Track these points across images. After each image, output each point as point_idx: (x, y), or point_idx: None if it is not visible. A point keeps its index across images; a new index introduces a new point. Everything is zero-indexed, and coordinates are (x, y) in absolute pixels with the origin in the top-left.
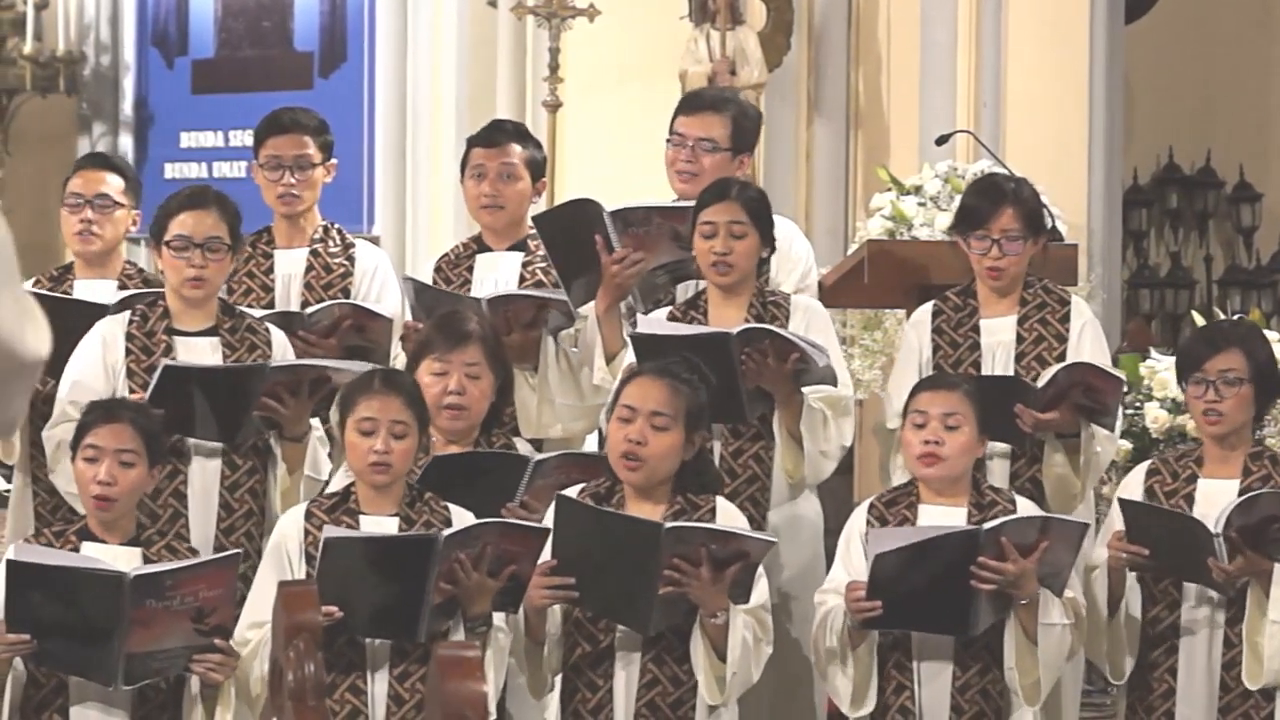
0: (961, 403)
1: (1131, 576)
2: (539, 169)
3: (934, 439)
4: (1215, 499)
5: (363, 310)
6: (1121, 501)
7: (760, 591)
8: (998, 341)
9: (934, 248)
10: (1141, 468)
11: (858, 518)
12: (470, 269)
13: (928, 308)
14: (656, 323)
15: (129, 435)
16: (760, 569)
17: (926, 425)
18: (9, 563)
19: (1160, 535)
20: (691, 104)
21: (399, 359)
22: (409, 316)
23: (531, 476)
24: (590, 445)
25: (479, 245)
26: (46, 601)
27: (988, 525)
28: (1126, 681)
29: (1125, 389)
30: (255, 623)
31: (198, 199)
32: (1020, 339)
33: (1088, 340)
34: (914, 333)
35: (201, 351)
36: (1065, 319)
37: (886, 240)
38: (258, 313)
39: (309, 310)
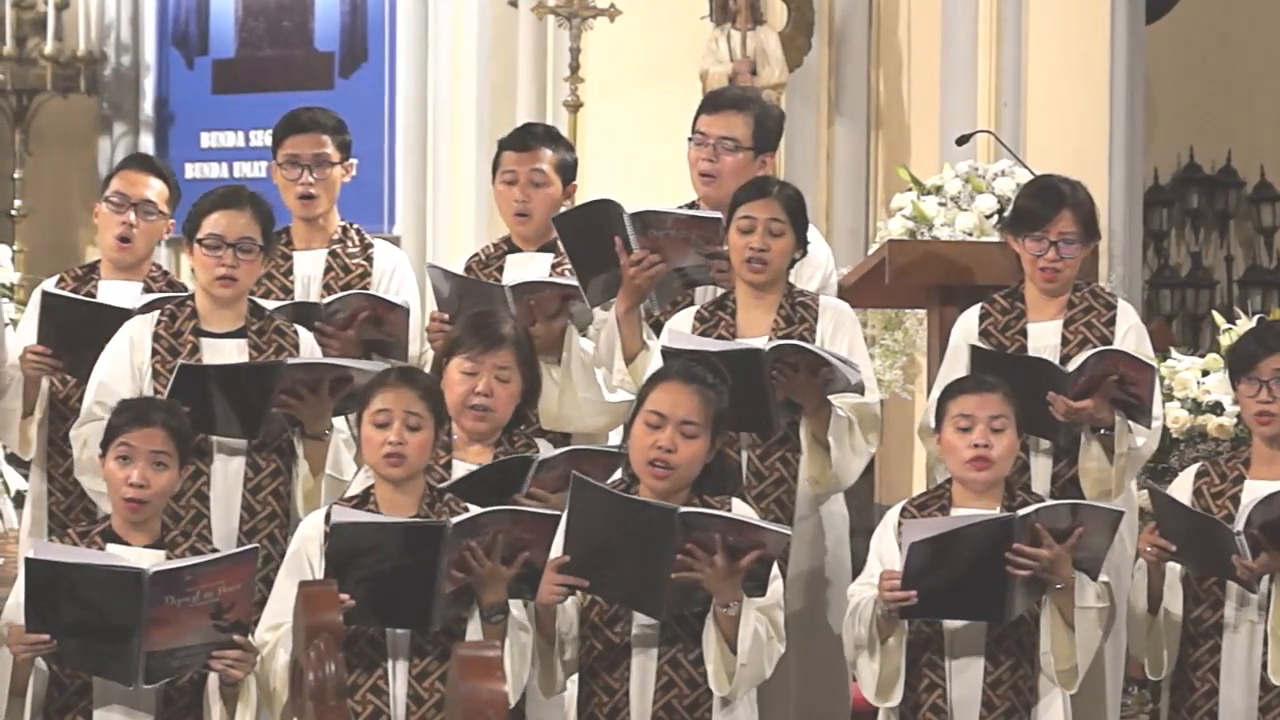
0: (1004, 404)
1: (1173, 575)
2: (569, 172)
3: (983, 442)
4: None
5: (380, 301)
6: (1150, 490)
7: (774, 590)
8: (1044, 346)
9: (955, 248)
10: (1191, 470)
11: (891, 518)
12: (501, 269)
13: (975, 311)
14: (686, 336)
15: (162, 437)
16: (775, 569)
17: (973, 429)
18: (28, 561)
19: (1185, 531)
20: (714, 103)
21: (426, 355)
22: (434, 306)
23: (536, 473)
24: (613, 441)
25: (509, 246)
26: (66, 600)
27: (1021, 512)
28: (1169, 681)
29: None
30: (273, 625)
31: (232, 199)
32: (1065, 341)
33: (1131, 344)
34: (961, 336)
35: (228, 353)
36: (1111, 323)
37: (907, 240)
38: (275, 304)
39: (326, 301)
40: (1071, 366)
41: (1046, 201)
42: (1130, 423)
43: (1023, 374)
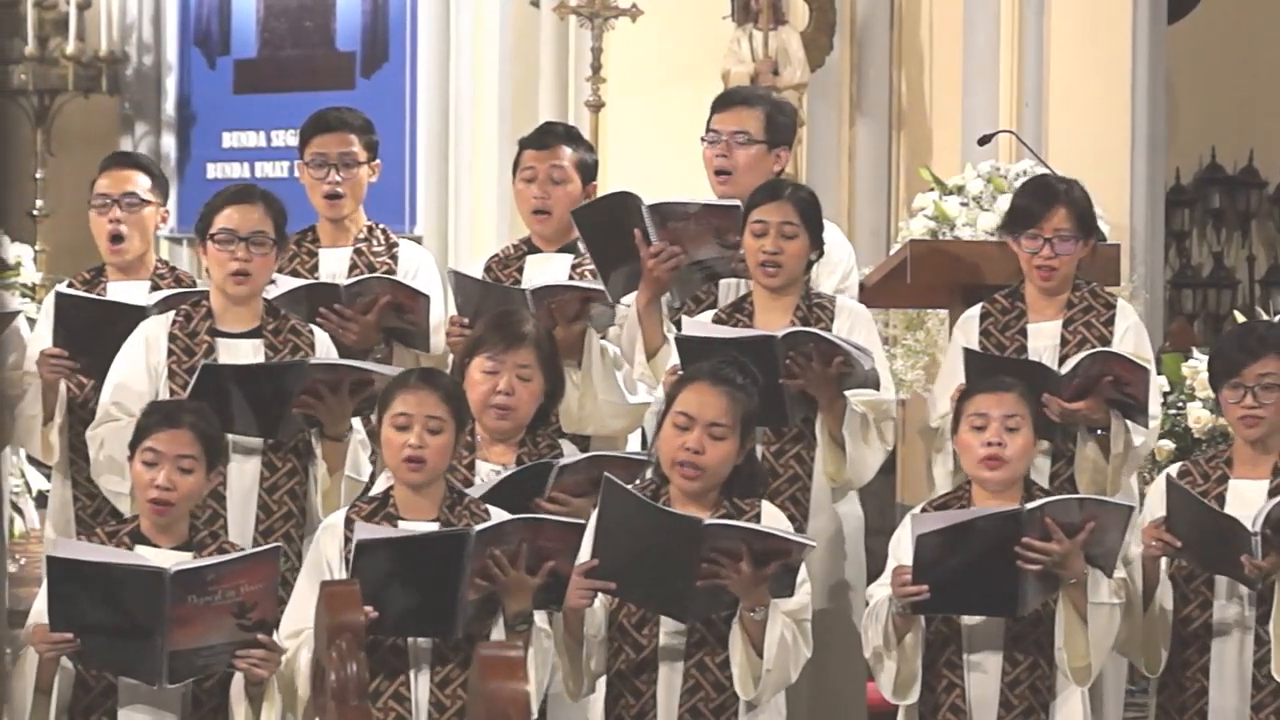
0: (1020, 404)
1: (1164, 571)
2: (589, 172)
3: (997, 441)
4: (1246, 499)
5: (402, 287)
6: (1169, 481)
7: (802, 595)
8: (1044, 346)
9: (977, 248)
10: (1172, 469)
11: (910, 519)
12: (520, 270)
13: (976, 310)
14: (701, 324)
15: (188, 440)
16: (803, 573)
17: (987, 428)
18: (50, 559)
19: (1195, 525)
20: (724, 101)
21: (450, 357)
22: (454, 311)
23: (558, 478)
24: (632, 443)
25: (529, 247)
26: (88, 599)
27: (1030, 506)
28: (1158, 682)
29: (1168, 389)
30: (294, 630)
31: (243, 195)
32: (1065, 341)
33: (1130, 343)
34: (961, 334)
35: (244, 353)
36: (1110, 322)
37: (929, 240)
38: (295, 282)
39: (347, 282)
40: (1068, 367)
41: (1040, 198)
42: (1128, 422)
43: (1016, 376)
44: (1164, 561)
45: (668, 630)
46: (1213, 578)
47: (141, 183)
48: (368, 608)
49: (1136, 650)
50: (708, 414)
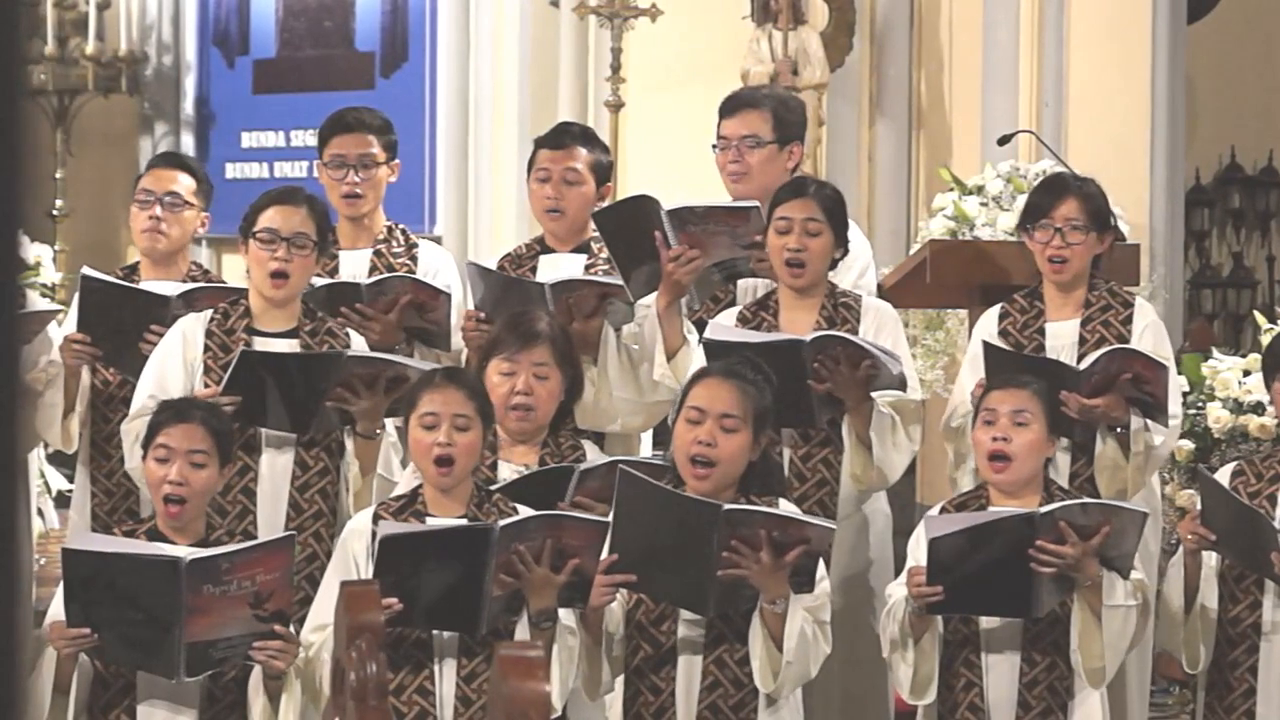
0: (1031, 401)
1: (1208, 567)
2: (604, 173)
3: (1001, 435)
4: None
5: (424, 286)
6: (1199, 472)
7: (821, 591)
8: (1063, 344)
9: (996, 247)
10: (1227, 469)
11: (926, 520)
12: (534, 269)
13: (995, 310)
14: (727, 329)
15: (200, 435)
16: (822, 569)
17: (996, 423)
18: (65, 551)
19: (1225, 517)
20: (730, 105)
21: (466, 354)
22: (471, 305)
23: (580, 482)
24: (645, 441)
25: (542, 246)
26: (104, 591)
27: (1044, 509)
28: (1206, 681)
29: (1187, 390)
30: (319, 625)
31: (288, 196)
32: (1083, 340)
33: (1148, 342)
34: (980, 334)
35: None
36: (1128, 321)
37: (949, 240)
38: (316, 282)
39: (368, 281)
40: (1086, 364)
41: (1050, 191)
42: (1148, 421)
43: (1036, 373)
44: (1213, 560)
45: (686, 626)
46: (1262, 578)
47: (186, 184)
48: (393, 599)
49: (1179, 646)
50: (718, 406)
